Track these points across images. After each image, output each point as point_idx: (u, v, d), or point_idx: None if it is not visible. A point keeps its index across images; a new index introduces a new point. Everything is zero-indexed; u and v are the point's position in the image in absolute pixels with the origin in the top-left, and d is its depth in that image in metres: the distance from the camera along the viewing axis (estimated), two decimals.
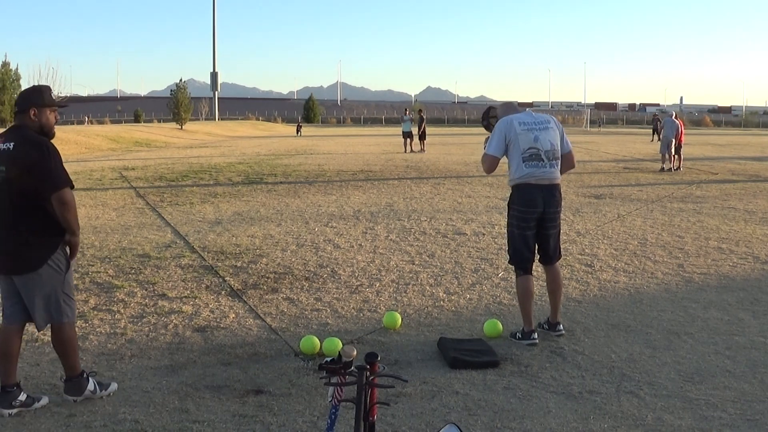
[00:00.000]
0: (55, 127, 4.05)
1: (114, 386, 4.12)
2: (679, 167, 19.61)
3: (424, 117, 30.61)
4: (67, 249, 3.93)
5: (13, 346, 3.91)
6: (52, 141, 3.95)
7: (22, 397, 3.86)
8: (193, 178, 17.12)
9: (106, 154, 28.25)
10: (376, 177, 17.51)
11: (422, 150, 28.62)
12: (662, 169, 19.41)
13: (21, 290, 3.87)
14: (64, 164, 3.85)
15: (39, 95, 3.93)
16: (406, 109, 30.92)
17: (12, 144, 3.78)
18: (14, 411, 3.80)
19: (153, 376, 4.36)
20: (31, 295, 3.85)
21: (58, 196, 3.73)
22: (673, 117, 20.40)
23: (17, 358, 3.96)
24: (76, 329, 5.20)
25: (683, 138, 20.04)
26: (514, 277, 6.97)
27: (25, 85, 38.49)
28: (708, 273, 7.14)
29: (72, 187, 3.83)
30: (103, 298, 6.14)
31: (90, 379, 4.03)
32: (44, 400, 3.94)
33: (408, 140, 28.70)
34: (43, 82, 30.66)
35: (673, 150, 19.54)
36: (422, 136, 29.38)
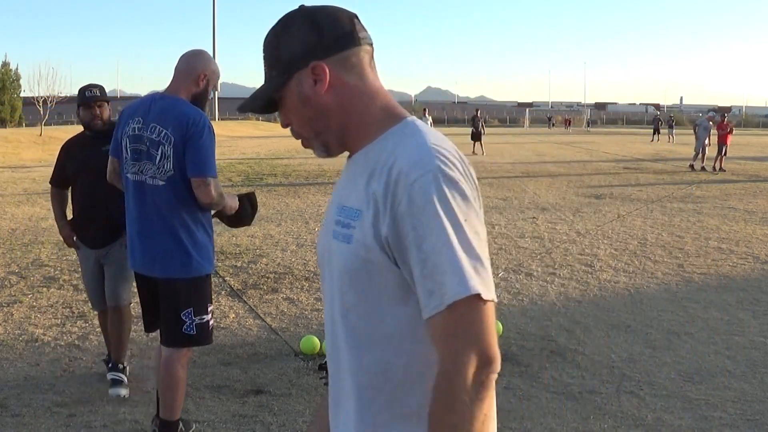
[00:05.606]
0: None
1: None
2: (720, 168, 19.82)
3: (480, 116, 27.58)
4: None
5: None
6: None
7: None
8: None
9: None
10: None
11: (483, 152, 26.08)
12: (693, 168, 19.94)
13: None
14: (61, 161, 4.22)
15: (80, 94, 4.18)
16: (424, 109, 29.93)
17: None
18: None
19: (153, 376, 4.35)
20: None
21: None
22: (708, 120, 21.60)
23: None
24: (77, 328, 5.23)
25: (729, 139, 20.48)
26: (513, 276, 7.00)
27: (24, 85, 38.56)
28: (708, 273, 7.14)
29: (53, 184, 4.31)
30: None
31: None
32: None
33: None
34: (43, 82, 31.06)
35: (707, 151, 20.34)
36: (479, 137, 26.89)
